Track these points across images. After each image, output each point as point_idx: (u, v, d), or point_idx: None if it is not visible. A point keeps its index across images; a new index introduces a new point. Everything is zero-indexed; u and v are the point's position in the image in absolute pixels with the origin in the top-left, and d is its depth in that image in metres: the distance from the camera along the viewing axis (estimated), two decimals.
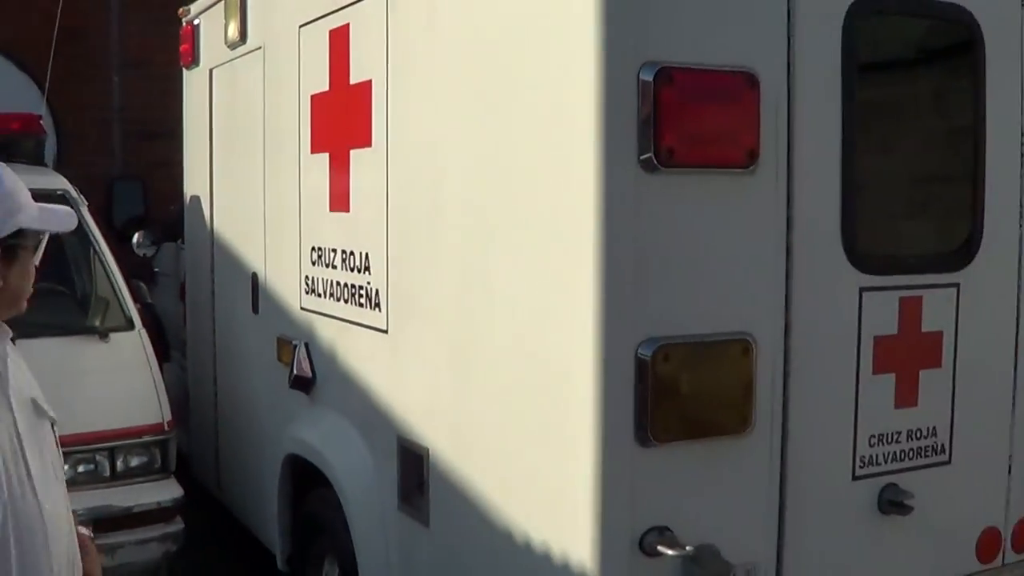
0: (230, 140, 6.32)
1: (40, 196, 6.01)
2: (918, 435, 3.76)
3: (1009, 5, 3.84)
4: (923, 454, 3.78)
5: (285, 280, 5.40)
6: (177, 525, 5.68)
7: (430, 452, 4.07)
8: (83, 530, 2.87)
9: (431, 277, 4.06)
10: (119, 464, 5.56)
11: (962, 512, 3.91)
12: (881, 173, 3.75)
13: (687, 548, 3.22)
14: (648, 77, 3.09)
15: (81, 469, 5.46)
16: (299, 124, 5.11)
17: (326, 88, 4.82)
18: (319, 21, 4.85)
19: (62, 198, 6.24)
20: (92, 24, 10.42)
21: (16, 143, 6.67)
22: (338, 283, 4.78)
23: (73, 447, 5.34)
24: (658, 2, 3.15)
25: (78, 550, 2.73)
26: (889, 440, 3.69)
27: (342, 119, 4.70)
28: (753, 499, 3.44)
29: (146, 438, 5.62)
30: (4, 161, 6.48)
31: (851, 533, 3.67)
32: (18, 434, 2.54)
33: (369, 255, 4.48)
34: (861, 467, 3.65)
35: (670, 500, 3.29)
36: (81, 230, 6.21)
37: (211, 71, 6.48)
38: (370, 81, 4.40)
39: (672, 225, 3.20)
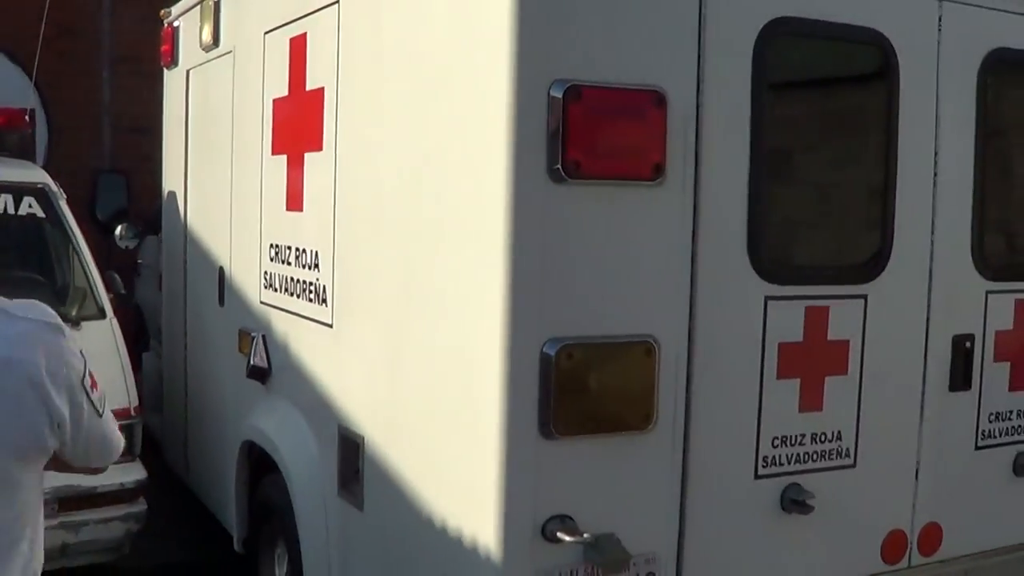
0: (203, 139, 6.54)
1: (21, 190, 6.33)
2: (822, 439, 3.95)
3: (924, 26, 4.02)
4: (827, 457, 3.97)
5: (247, 275, 5.62)
6: (140, 506, 5.93)
7: (365, 440, 4.28)
8: None
9: (369, 275, 4.27)
10: None
11: (867, 514, 4.11)
12: (790, 189, 3.96)
13: (585, 536, 3.43)
14: (558, 93, 3.30)
15: None
16: (262, 126, 5.32)
17: (286, 93, 5.04)
18: (281, 29, 5.06)
19: (41, 191, 6.49)
20: (85, 21, 10.68)
21: (1, 137, 6.91)
22: (292, 279, 4.99)
23: None
24: (571, 23, 3.36)
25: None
26: (793, 442, 3.89)
27: (299, 123, 4.92)
28: (655, 492, 3.64)
29: None
30: None
31: (753, 529, 3.86)
32: None
33: (318, 253, 4.69)
34: (764, 467, 3.84)
35: (572, 491, 3.49)
36: (59, 222, 6.45)
37: (188, 72, 6.70)
38: (323, 88, 4.61)
39: (579, 233, 3.41)
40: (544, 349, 3.38)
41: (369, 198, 4.27)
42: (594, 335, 3.45)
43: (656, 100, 3.43)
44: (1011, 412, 4.41)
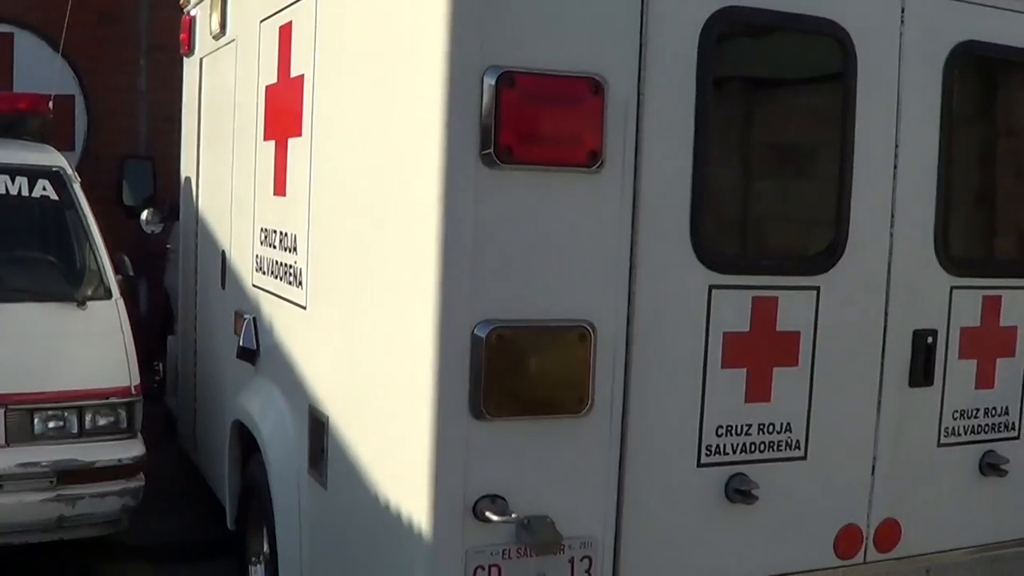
0: (213, 126, 6.67)
1: (36, 172, 6.51)
2: (770, 429, 3.96)
3: (886, 17, 4.01)
4: (775, 448, 3.98)
5: (242, 258, 5.74)
6: (137, 481, 6.05)
7: (329, 419, 4.36)
8: None
9: (333, 259, 4.36)
10: (87, 422, 5.93)
11: (818, 507, 4.11)
12: (738, 180, 3.97)
13: (514, 516, 3.48)
14: (491, 80, 3.35)
15: (51, 425, 5.85)
16: (257, 113, 5.43)
17: (275, 80, 5.14)
18: (273, 17, 5.17)
19: (56, 175, 6.66)
20: (124, 8, 10.92)
21: (22, 121, 7.13)
22: (276, 262, 5.09)
23: (44, 404, 5.79)
24: (507, 10, 3.41)
25: None
26: (738, 432, 3.91)
27: (284, 109, 5.01)
28: (590, 477, 3.67)
29: (113, 400, 5.98)
30: (10, 138, 6.97)
31: (696, 516, 3.89)
32: None
33: (297, 236, 4.78)
34: (708, 455, 3.87)
35: (505, 471, 3.54)
36: (72, 205, 6.62)
37: (201, 60, 6.84)
38: (303, 75, 4.71)
39: (512, 217, 3.46)
40: (475, 331, 3.43)
41: (332, 182, 4.36)
42: (527, 319, 3.50)
43: (593, 87, 3.47)
44: (977, 410, 4.39)
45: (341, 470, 4.26)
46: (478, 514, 3.50)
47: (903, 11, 4.04)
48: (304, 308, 4.69)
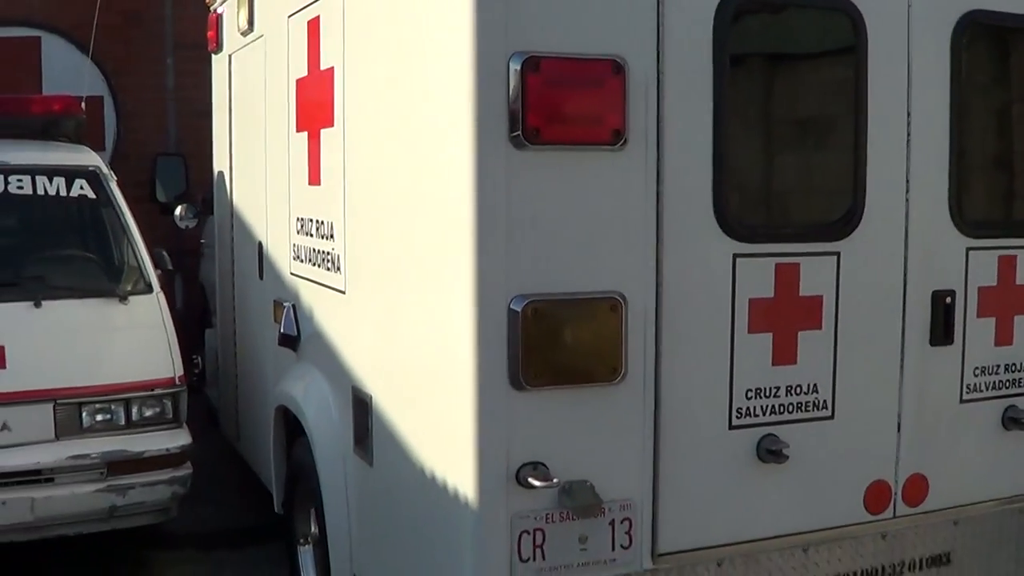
0: (243, 120, 6.86)
1: (73, 172, 6.72)
2: (797, 391, 4.12)
3: None
4: (803, 408, 4.13)
5: (280, 248, 5.92)
6: (185, 470, 6.26)
7: (373, 399, 4.54)
8: None
9: (371, 243, 4.53)
10: (133, 414, 6.14)
11: (847, 465, 4.26)
12: (758, 151, 4.13)
13: (556, 481, 3.66)
14: (517, 65, 3.52)
15: (99, 418, 6.06)
16: (288, 106, 5.61)
17: (306, 73, 5.31)
18: (300, 12, 5.34)
19: (93, 174, 6.87)
20: (149, 9, 11.13)
21: (57, 123, 7.34)
22: (314, 250, 5.27)
23: (91, 397, 5.99)
24: None
25: None
26: (767, 394, 4.06)
27: (316, 101, 5.19)
28: (627, 441, 3.84)
29: (158, 391, 6.18)
30: (46, 140, 7.18)
31: (730, 477, 4.04)
32: None
33: (333, 224, 4.96)
34: (738, 417, 4.02)
35: (545, 439, 3.71)
36: (109, 203, 6.82)
37: (230, 56, 7.02)
38: (333, 68, 4.88)
39: (542, 195, 3.62)
40: (511, 305, 3.60)
41: (366, 170, 4.53)
42: (560, 292, 3.66)
43: (614, 68, 3.63)
44: (997, 367, 4.52)
45: (386, 447, 4.44)
46: (521, 481, 3.67)
47: None
48: (343, 293, 4.86)
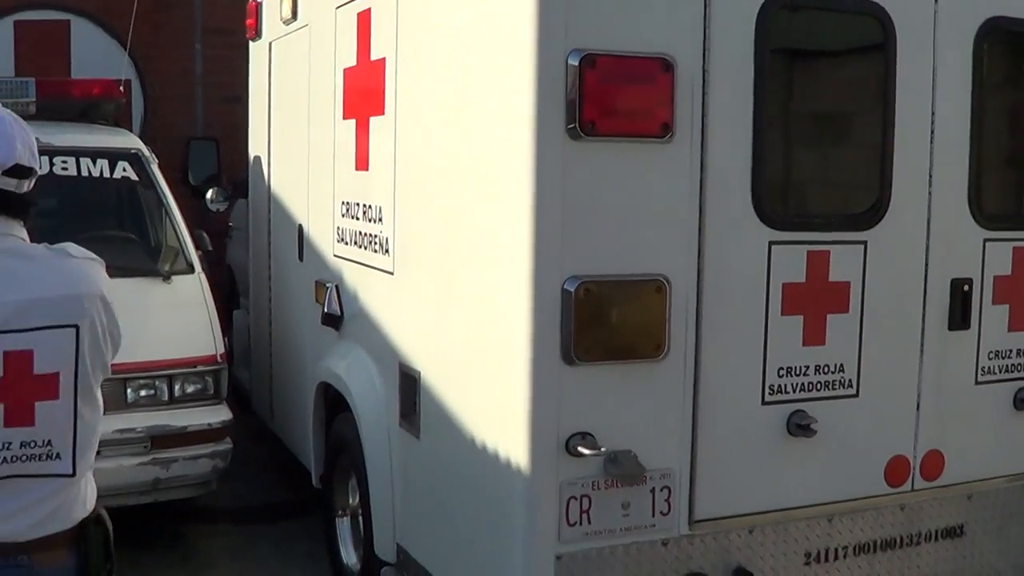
0: (284, 107, 7.11)
1: (116, 155, 6.93)
2: (825, 370, 4.39)
3: None
4: (831, 387, 4.41)
5: (322, 231, 6.17)
6: (226, 444, 6.52)
7: (421, 375, 4.80)
8: None
9: (423, 226, 4.79)
10: (176, 390, 6.38)
11: (869, 440, 4.54)
12: (792, 146, 4.40)
13: (603, 450, 3.93)
14: (575, 62, 3.79)
15: (143, 393, 6.30)
16: (334, 94, 5.86)
17: (354, 63, 5.57)
18: (350, 4, 5.59)
19: (135, 156, 7.11)
20: None
21: (97, 107, 7.59)
22: (360, 232, 5.52)
23: (136, 373, 6.20)
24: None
25: None
26: (797, 372, 4.33)
27: (365, 90, 5.44)
28: (668, 414, 4.12)
29: (200, 368, 6.44)
30: (87, 123, 7.40)
31: (762, 450, 4.32)
32: None
33: (382, 208, 5.21)
34: (771, 394, 4.30)
35: (593, 411, 3.98)
36: (151, 185, 7.07)
37: (270, 44, 7.27)
38: (384, 58, 5.13)
39: (595, 184, 3.90)
40: (565, 286, 3.87)
41: (420, 157, 4.79)
42: (610, 274, 3.93)
43: (664, 66, 3.90)
44: (1010, 351, 4.79)
45: (434, 420, 4.70)
46: (570, 450, 3.94)
47: None
48: (391, 274, 5.12)
